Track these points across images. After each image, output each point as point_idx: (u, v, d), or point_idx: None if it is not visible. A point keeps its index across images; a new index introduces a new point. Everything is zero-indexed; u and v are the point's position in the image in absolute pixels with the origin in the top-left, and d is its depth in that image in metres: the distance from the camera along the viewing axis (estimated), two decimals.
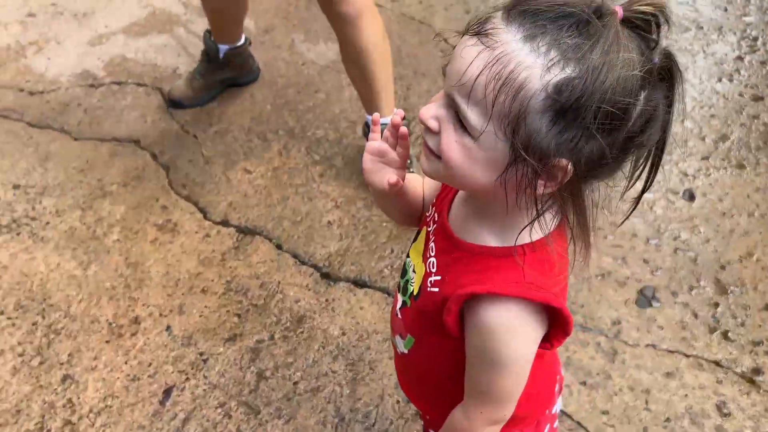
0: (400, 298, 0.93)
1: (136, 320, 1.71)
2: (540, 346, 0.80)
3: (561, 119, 0.64)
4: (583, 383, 1.57)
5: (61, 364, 1.63)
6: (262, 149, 2.15)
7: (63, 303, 1.75)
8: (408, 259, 0.92)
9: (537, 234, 0.73)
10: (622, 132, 0.66)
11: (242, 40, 2.28)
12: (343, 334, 1.67)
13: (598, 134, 0.64)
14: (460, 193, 0.85)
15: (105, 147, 2.18)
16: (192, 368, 1.61)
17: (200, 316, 1.72)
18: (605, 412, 1.52)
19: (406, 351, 0.94)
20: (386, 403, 1.54)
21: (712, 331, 1.67)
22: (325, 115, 2.27)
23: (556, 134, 0.65)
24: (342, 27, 1.78)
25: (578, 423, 1.51)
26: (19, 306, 1.74)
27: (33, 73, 2.47)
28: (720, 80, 2.39)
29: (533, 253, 0.75)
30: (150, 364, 1.62)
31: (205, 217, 1.95)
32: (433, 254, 0.85)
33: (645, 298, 1.74)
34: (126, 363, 1.63)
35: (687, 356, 1.62)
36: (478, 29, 0.67)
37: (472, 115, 0.67)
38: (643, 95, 0.66)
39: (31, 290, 1.78)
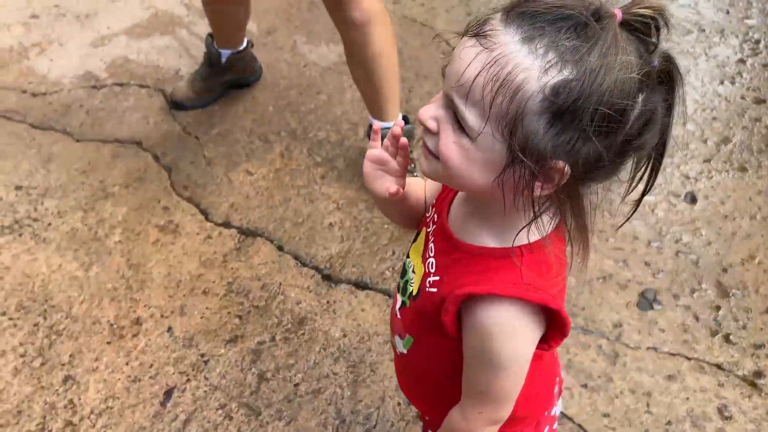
0: (399, 299, 0.93)
1: (138, 321, 1.71)
2: (537, 347, 0.80)
3: (558, 121, 0.64)
4: (584, 386, 1.57)
5: (63, 365, 1.63)
6: (264, 151, 2.16)
7: (64, 304, 1.75)
8: (408, 259, 0.92)
9: (535, 235, 0.74)
10: (619, 135, 0.66)
11: (244, 44, 2.27)
12: (344, 335, 1.67)
13: (595, 136, 0.65)
14: (460, 194, 0.85)
15: (107, 148, 2.18)
16: (193, 369, 1.62)
17: (201, 317, 1.72)
18: (606, 415, 1.52)
19: (405, 351, 0.94)
20: (387, 405, 1.54)
21: (713, 334, 1.67)
22: (327, 116, 2.27)
23: (553, 136, 0.65)
24: (351, 32, 1.77)
25: (579, 426, 1.50)
26: (20, 307, 1.75)
27: (35, 74, 2.48)
28: (722, 83, 2.38)
29: (531, 254, 0.75)
30: (151, 366, 1.63)
31: (207, 219, 1.96)
32: (432, 255, 0.85)
33: (646, 301, 1.73)
34: (127, 364, 1.63)
35: (688, 359, 1.62)
36: (477, 30, 0.67)
37: (470, 116, 0.68)
38: (641, 98, 0.66)
39: (32, 291, 1.78)
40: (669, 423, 1.51)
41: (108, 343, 1.67)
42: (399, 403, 1.54)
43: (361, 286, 1.78)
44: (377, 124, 0.90)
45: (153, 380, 1.60)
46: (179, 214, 1.97)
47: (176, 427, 1.52)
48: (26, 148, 2.18)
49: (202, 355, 1.64)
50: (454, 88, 0.68)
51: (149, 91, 2.40)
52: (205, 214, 1.97)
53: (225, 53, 2.24)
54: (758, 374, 1.59)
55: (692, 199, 1.99)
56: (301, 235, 1.91)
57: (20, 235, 1.92)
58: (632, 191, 0.75)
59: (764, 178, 2.05)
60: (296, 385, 1.58)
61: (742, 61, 2.48)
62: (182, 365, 1.62)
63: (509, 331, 0.76)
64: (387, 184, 0.86)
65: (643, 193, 0.77)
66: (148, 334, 1.68)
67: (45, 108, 2.33)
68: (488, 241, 0.78)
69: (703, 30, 2.62)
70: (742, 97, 2.33)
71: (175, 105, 2.31)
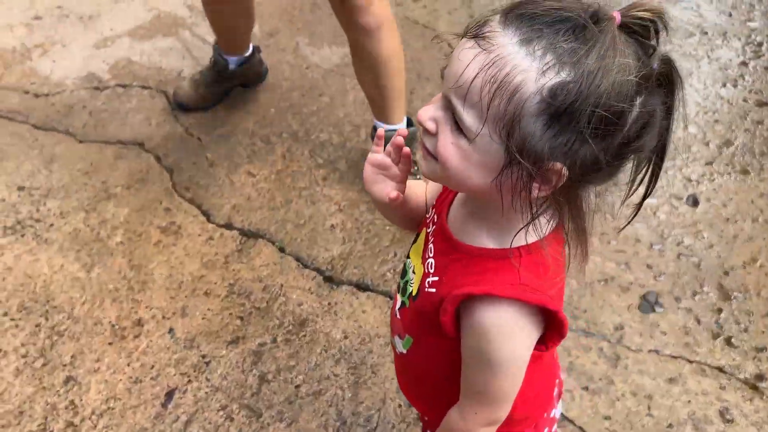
0: (399, 299, 0.94)
1: (139, 322, 1.71)
2: (535, 348, 0.80)
3: (555, 123, 0.64)
4: (586, 388, 1.57)
5: (64, 365, 1.63)
6: (266, 152, 2.16)
7: (66, 305, 1.75)
8: (408, 260, 0.93)
9: (533, 237, 0.74)
10: (616, 137, 0.66)
11: (250, 50, 2.26)
12: (346, 337, 1.68)
13: (593, 138, 0.65)
14: (460, 195, 0.85)
15: (109, 149, 2.18)
16: (194, 371, 1.62)
17: (203, 318, 1.72)
18: (607, 418, 1.52)
19: (404, 351, 0.94)
20: (388, 407, 1.54)
21: (715, 336, 1.67)
22: (329, 118, 2.28)
23: (551, 138, 0.65)
24: (360, 37, 1.77)
25: (580, 428, 1.50)
26: (22, 307, 1.75)
27: (38, 75, 2.48)
28: (724, 85, 2.38)
29: (529, 255, 0.75)
30: (152, 367, 1.63)
31: (209, 220, 1.96)
32: (431, 255, 0.85)
33: (648, 304, 1.73)
34: (128, 365, 1.63)
35: (690, 362, 1.62)
36: (476, 32, 0.67)
37: (468, 118, 0.68)
38: (638, 100, 0.66)
39: (34, 292, 1.78)
40: (670, 426, 1.51)
41: (109, 344, 1.67)
42: (400, 405, 1.54)
43: (362, 287, 1.78)
44: (381, 130, 0.90)
45: (154, 381, 1.60)
46: (181, 215, 1.97)
47: (177, 428, 1.52)
48: (29, 149, 2.19)
49: (204, 357, 1.64)
50: (452, 90, 0.69)
51: (152, 92, 2.40)
52: (206, 215, 1.97)
53: (232, 60, 2.22)
54: (760, 377, 1.59)
55: (694, 202, 1.99)
56: (303, 237, 1.91)
57: (22, 235, 1.92)
58: (632, 194, 0.76)
59: (766, 181, 2.05)
60: (297, 386, 1.58)
61: (744, 63, 2.48)
62: (183, 366, 1.62)
63: (507, 332, 0.76)
64: (387, 190, 0.87)
65: (644, 196, 0.77)
66: (150, 335, 1.69)
67: (48, 109, 2.34)
68: (487, 242, 0.78)
69: (706, 32, 2.62)
70: (745, 100, 2.33)
71: (178, 106, 2.30)
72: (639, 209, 0.78)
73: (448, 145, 0.71)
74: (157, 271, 1.83)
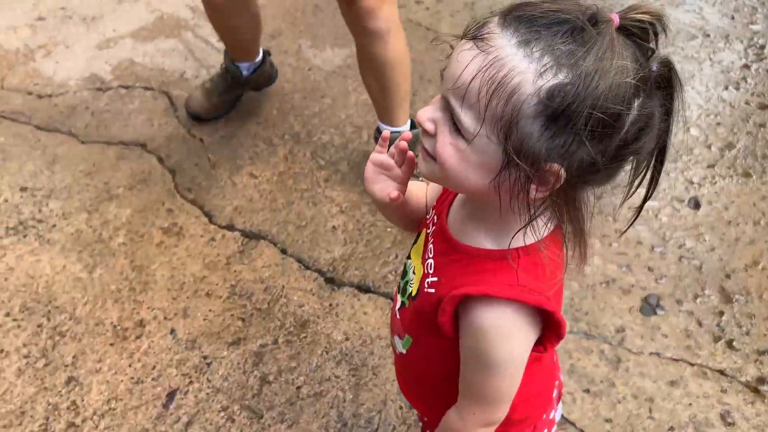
0: (399, 299, 0.94)
1: (141, 323, 1.72)
2: (533, 349, 0.80)
3: (553, 124, 0.65)
4: (587, 391, 1.57)
5: (66, 366, 1.63)
6: (268, 154, 2.16)
7: (68, 305, 1.76)
8: (409, 260, 0.93)
9: (531, 238, 0.74)
10: (614, 139, 0.66)
11: (261, 55, 2.23)
12: (347, 339, 1.68)
13: (590, 140, 0.65)
14: (459, 196, 0.86)
15: (112, 150, 2.19)
16: (196, 372, 1.62)
17: (204, 319, 1.72)
18: (608, 420, 1.52)
19: (404, 351, 0.95)
20: (389, 409, 1.54)
21: (716, 339, 1.67)
22: (331, 120, 2.28)
23: (548, 139, 0.65)
24: (367, 41, 1.77)
25: (581, 431, 1.50)
26: (24, 308, 1.75)
27: (41, 76, 2.49)
28: (726, 88, 2.38)
29: (528, 256, 0.76)
30: (154, 367, 1.63)
31: (211, 221, 1.96)
32: (431, 256, 0.85)
33: (649, 306, 1.73)
34: (130, 366, 1.63)
35: (691, 365, 1.62)
36: (475, 34, 0.68)
37: (466, 119, 0.68)
38: (636, 103, 0.66)
39: (36, 292, 1.79)
40: (671, 429, 1.50)
41: (111, 344, 1.68)
42: (401, 407, 1.54)
43: (363, 289, 1.78)
44: (387, 132, 0.90)
45: (155, 382, 1.60)
46: (183, 216, 1.97)
47: (178, 429, 1.52)
48: (31, 150, 2.19)
49: (205, 358, 1.65)
50: (451, 91, 0.69)
51: (154, 93, 2.41)
52: (208, 216, 1.98)
53: (244, 67, 2.19)
54: (761, 380, 1.59)
55: (696, 205, 1.99)
56: (305, 239, 1.91)
57: (25, 236, 1.93)
58: (631, 196, 0.76)
59: None
60: (298, 387, 1.58)
61: (746, 66, 2.48)
62: (185, 367, 1.63)
63: (505, 333, 0.76)
64: (388, 190, 0.87)
65: (645, 199, 0.77)
66: (151, 336, 1.69)
67: (50, 110, 2.34)
68: (486, 242, 0.79)
69: (708, 35, 2.61)
70: (747, 103, 2.33)
71: (193, 117, 2.26)
72: (640, 212, 0.79)
73: (446, 146, 0.71)
74: (159, 272, 1.83)
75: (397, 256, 1.85)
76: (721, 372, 1.60)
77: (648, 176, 0.74)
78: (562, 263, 0.78)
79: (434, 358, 0.90)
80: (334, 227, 1.94)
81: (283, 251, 1.88)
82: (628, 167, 0.72)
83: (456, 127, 0.70)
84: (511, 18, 0.66)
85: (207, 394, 1.58)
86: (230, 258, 1.86)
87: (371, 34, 1.74)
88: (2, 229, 1.95)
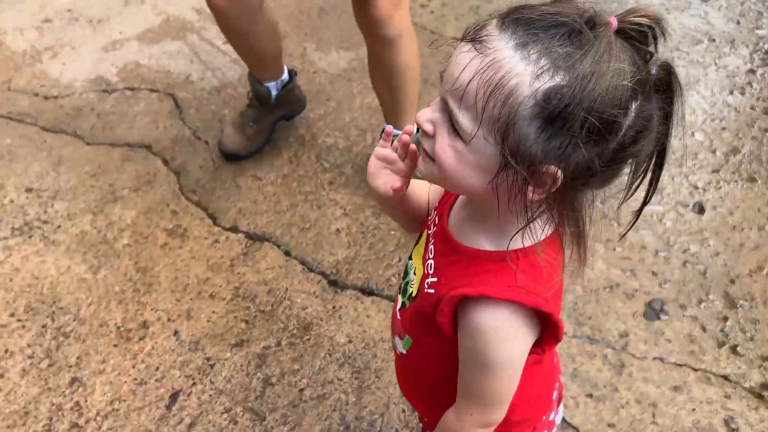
0: (400, 300, 0.94)
1: (145, 324, 1.72)
2: (531, 351, 0.80)
3: (549, 126, 0.65)
4: (590, 395, 1.56)
5: (70, 366, 1.64)
6: (273, 156, 2.17)
7: (73, 306, 1.76)
8: (410, 261, 0.93)
9: (529, 240, 0.74)
10: (611, 142, 0.66)
11: (286, 73, 2.12)
12: (350, 341, 1.68)
13: (586, 143, 0.65)
14: (460, 197, 0.86)
15: (117, 152, 2.20)
16: (199, 373, 1.62)
17: (208, 321, 1.73)
18: (611, 425, 1.52)
19: (404, 351, 0.95)
20: (391, 412, 1.54)
21: (720, 345, 1.66)
22: (336, 123, 2.28)
23: (545, 141, 0.66)
24: (379, 47, 1.78)
25: None
26: (29, 308, 1.76)
27: (48, 78, 2.50)
28: (732, 93, 2.38)
29: (526, 258, 0.76)
30: (157, 369, 1.63)
31: (215, 223, 1.97)
32: (431, 256, 0.86)
33: (653, 311, 1.73)
34: (133, 367, 1.64)
35: (695, 370, 1.61)
36: (473, 36, 0.68)
37: (464, 120, 0.68)
38: (634, 106, 0.66)
39: (41, 293, 1.79)
40: None
41: (115, 345, 1.68)
42: (403, 410, 1.54)
43: (367, 292, 1.78)
44: (390, 128, 0.91)
45: (159, 383, 1.61)
46: (187, 218, 1.98)
47: (181, 431, 1.52)
48: (37, 151, 2.20)
49: (208, 359, 1.65)
50: (449, 92, 0.69)
51: (159, 95, 2.41)
52: (213, 218, 1.98)
53: (272, 87, 2.08)
54: (765, 386, 1.58)
55: (700, 210, 1.98)
56: (308, 241, 1.91)
57: (30, 237, 1.94)
58: (629, 198, 0.76)
59: None
60: (301, 390, 1.58)
61: (752, 71, 2.47)
62: (188, 369, 1.63)
63: (503, 334, 0.77)
64: (392, 182, 0.87)
65: (644, 202, 0.77)
66: (155, 338, 1.69)
67: (56, 111, 2.36)
68: (485, 244, 0.79)
69: (714, 40, 2.61)
70: (752, 108, 2.32)
71: (228, 156, 2.12)
72: (639, 215, 0.79)
73: (444, 147, 0.71)
74: (163, 273, 1.83)
75: (400, 259, 1.86)
76: (725, 377, 1.60)
77: (647, 179, 0.74)
78: (560, 265, 0.78)
79: (434, 358, 0.90)
80: (337, 230, 1.94)
81: (287, 253, 1.88)
82: (627, 170, 0.72)
83: (454, 129, 0.70)
84: (509, 20, 0.67)
85: (210, 395, 1.58)
86: (234, 260, 1.86)
87: (383, 40, 1.74)
88: (8, 229, 1.95)
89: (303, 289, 1.79)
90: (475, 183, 0.72)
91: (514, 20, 0.66)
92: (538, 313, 0.77)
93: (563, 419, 1.52)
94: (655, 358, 1.63)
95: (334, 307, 1.75)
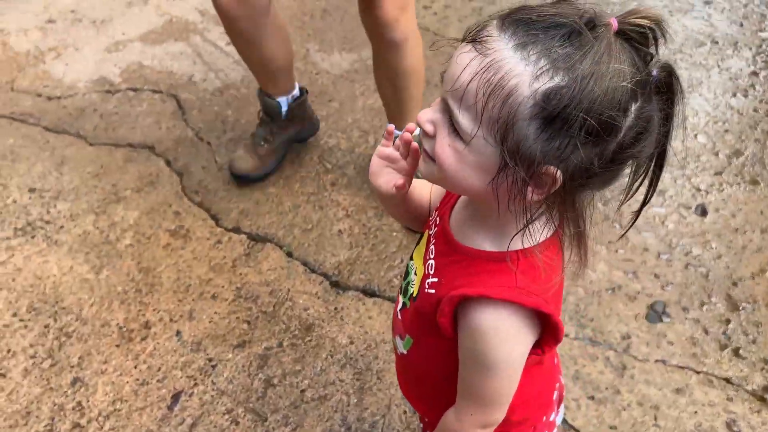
0: (401, 300, 0.95)
1: (147, 325, 1.72)
2: (531, 352, 0.81)
3: (549, 127, 0.65)
4: (592, 398, 1.56)
5: (72, 366, 1.64)
6: None
7: (75, 306, 1.76)
8: (411, 261, 0.94)
9: (529, 241, 0.74)
10: (611, 142, 0.66)
11: (297, 88, 2.07)
12: (351, 342, 1.68)
13: (586, 143, 0.65)
14: (461, 198, 0.86)
15: (120, 152, 2.20)
16: (200, 374, 1.62)
17: (210, 322, 1.73)
18: (613, 428, 1.51)
19: (405, 352, 0.95)
20: (393, 414, 1.54)
21: (723, 347, 1.66)
22: (338, 124, 2.28)
23: (544, 142, 0.66)
24: (385, 50, 1.78)
25: None
26: (31, 308, 1.76)
27: (51, 78, 2.51)
28: (734, 95, 2.38)
29: (526, 259, 0.76)
30: (159, 369, 1.63)
31: (217, 224, 1.97)
32: (432, 257, 0.86)
33: (655, 313, 1.73)
34: (135, 367, 1.64)
35: (697, 372, 1.61)
36: (474, 36, 0.69)
37: (464, 120, 0.69)
38: (634, 107, 0.66)
39: (43, 293, 1.80)
40: None
41: (117, 346, 1.68)
42: (405, 412, 1.54)
43: (368, 293, 1.78)
44: (392, 127, 0.91)
45: (161, 384, 1.61)
46: (190, 218, 1.98)
47: (183, 431, 1.52)
48: (40, 151, 2.21)
49: (210, 360, 1.65)
50: (449, 92, 0.70)
51: (162, 96, 2.42)
52: (215, 219, 1.98)
53: (282, 101, 2.01)
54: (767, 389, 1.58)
55: (703, 212, 1.98)
56: (310, 242, 1.91)
57: (32, 237, 1.94)
58: (629, 199, 0.76)
59: None
60: (303, 391, 1.59)
61: (755, 73, 2.47)
62: (190, 369, 1.63)
63: (503, 334, 0.77)
64: (394, 180, 0.87)
65: (643, 203, 0.77)
66: (157, 338, 1.69)
67: (59, 111, 2.36)
68: (485, 244, 0.79)
69: (717, 42, 2.61)
70: (755, 110, 2.32)
71: (239, 178, 2.04)
72: (638, 216, 0.79)
73: (444, 147, 0.72)
74: (165, 274, 1.84)
75: (402, 261, 1.86)
76: (727, 380, 1.60)
77: (647, 180, 0.74)
78: (560, 266, 0.78)
79: (434, 358, 0.90)
80: (340, 231, 1.94)
81: (289, 254, 1.88)
82: (628, 171, 0.72)
83: (454, 129, 0.70)
84: (510, 21, 0.67)
85: (211, 396, 1.58)
86: (236, 261, 1.87)
87: (389, 43, 1.74)
88: (10, 229, 1.96)
89: (305, 290, 1.79)
90: (475, 183, 0.72)
91: (514, 21, 0.67)
92: (538, 314, 0.77)
93: (564, 421, 1.51)
94: (657, 361, 1.63)
95: (335, 308, 1.75)
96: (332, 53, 2.58)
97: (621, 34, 0.66)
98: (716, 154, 2.16)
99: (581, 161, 0.66)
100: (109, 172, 2.13)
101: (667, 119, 0.69)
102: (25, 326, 1.72)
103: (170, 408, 1.56)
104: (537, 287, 0.76)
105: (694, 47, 2.58)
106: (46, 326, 1.72)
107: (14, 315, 1.75)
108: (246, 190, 2.06)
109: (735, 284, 1.79)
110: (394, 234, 1.92)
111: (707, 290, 1.78)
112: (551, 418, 1.02)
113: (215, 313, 1.74)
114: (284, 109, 2.03)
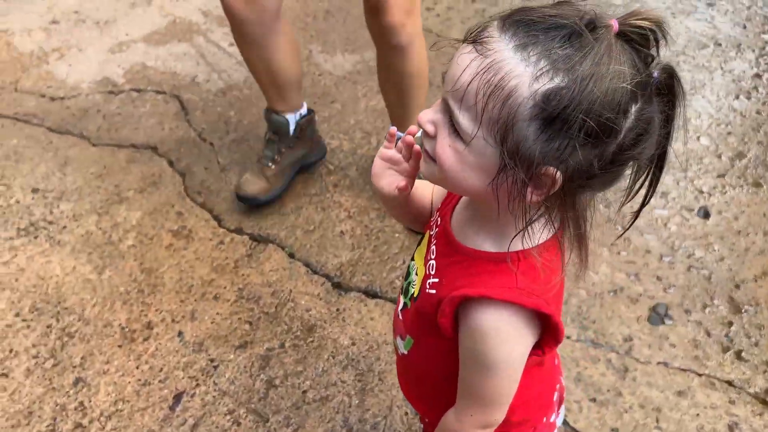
0: (402, 300, 0.95)
1: (149, 325, 1.72)
2: (531, 353, 0.81)
3: (548, 128, 0.65)
4: (593, 400, 1.56)
5: (74, 367, 1.64)
6: None
7: (77, 306, 1.77)
8: (412, 262, 0.94)
9: (529, 242, 0.74)
10: (610, 144, 0.66)
11: (305, 108, 2.04)
12: (353, 344, 1.68)
13: (585, 144, 0.65)
14: (462, 198, 0.87)
15: (122, 153, 2.21)
16: (202, 374, 1.62)
17: (212, 322, 1.73)
18: (615, 430, 1.51)
19: (405, 352, 0.95)
20: (395, 415, 1.54)
21: (725, 350, 1.66)
22: (341, 125, 2.29)
23: (544, 142, 0.66)
24: (389, 54, 1.78)
25: None
26: (34, 308, 1.77)
27: (55, 79, 2.51)
28: (737, 98, 2.37)
29: (527, 259, 0.76)
30: (161, 370, 1.64)
31: (220, 225, 1.97)
32: (433, 257, 0.86)
33: (657, 316, 1.72)
34: (137, 368, 1.64)
35: (699, 375, 1.61)
36: (474, 37, 0.69)
37: (464, 121, 0.69)
38: (634, 108, 0.66)
39: (46, 293, 1.80)
40: None
41: (119, 346, 1.68)
42: (406, 413, 1.54)
43: (370, 294, 1.78)
44: (394, 129, 0.92)
45: (162, 384, 1.61)
46: (192, 219, 1.98)
47: None
48: (43, 152, 2.21)
49: (212, 360, 1.65)
50: (450, 93, 0.70)
51: (165, 97, 2.42)
52: (217, 219, 1.99)
53: (291, 118, 1.98)
54: None
55: (705, 214, 1.98)
56: (312, 243, 1.91)
57: (35, 237, 1.94)
58: (629, 200, 0.76)
59: None
60: (304, 392, 1.59)
61: (758, 75, 2.47)
62: (192, 370, 1.63)
63: (503, 335, 0.77)
64: (396, 182, 0.88)
65: (643, 203, 0.77)
66: (159, 339, 1.70)
67: (63, 112, 2.37)
68: (486, 245, 0.79)
69: (720, 44, 2.61)
70: (758, 112, 2.32)
71: (246, 201, 1.97)
72: (637, 216, 0.79)
73: (445, 147, 0.72)
74: (168, 274, 1.84)
75: (404, 262, 1.86)
76: (730, 383, 1.59)
77: (647, 181, 0.74)
78: (559, 267, 0.78)
79: (435, 358, 0.90)
80: (342, 232, 1.94)
81: (291, 255, 1.88)
82: (629, 172, 0.72)
83: (455, 129, 0.70)
84: (510, 22, 0.67)
85: (213, 397, 1.58)
86: (238, 261, 1.87)
87: (395, 47, 1.74)
88: (14, 230, 1.96)
89: (307, 291, 1.79)
90: (475, 184, 0.72)
91: (514, 22, 0.67)
92: (539, 315, 0.77)
93: (566, 423, 1.51)
94: (659, 363, 1.63)
95: (337, 310, 1.75)
96: (335, 54, 2.58)
97: (622, 35, 0.66)
98: (719, 157, 2.15)
99: (581, 162, 0.66)
100: (112, 173, 2.13)
101: (668, 121, 0.69)
102: (28, 326, 1.73)
103: (172, 408, 1.57)
104: (537, 288, 0.76)
105: (697, 49, 2.58)
106: (48, 326, 1.73)
107: (17, 315, 1.75)
108: None
109: (737, 287, 1.79)
110: (396, 235, 1.92)
111: (710, 293, 1.78)
112: (552, 419, 1.02)
113: (217, 313, 1.75)
114: (292, 126, 1.99)
